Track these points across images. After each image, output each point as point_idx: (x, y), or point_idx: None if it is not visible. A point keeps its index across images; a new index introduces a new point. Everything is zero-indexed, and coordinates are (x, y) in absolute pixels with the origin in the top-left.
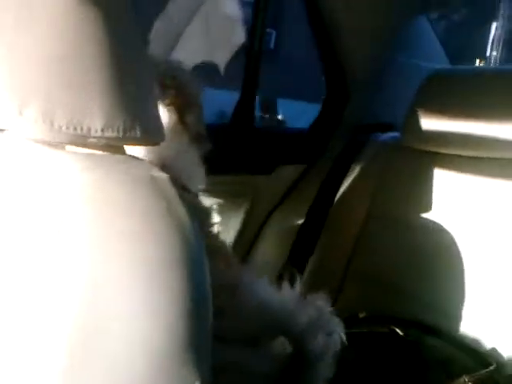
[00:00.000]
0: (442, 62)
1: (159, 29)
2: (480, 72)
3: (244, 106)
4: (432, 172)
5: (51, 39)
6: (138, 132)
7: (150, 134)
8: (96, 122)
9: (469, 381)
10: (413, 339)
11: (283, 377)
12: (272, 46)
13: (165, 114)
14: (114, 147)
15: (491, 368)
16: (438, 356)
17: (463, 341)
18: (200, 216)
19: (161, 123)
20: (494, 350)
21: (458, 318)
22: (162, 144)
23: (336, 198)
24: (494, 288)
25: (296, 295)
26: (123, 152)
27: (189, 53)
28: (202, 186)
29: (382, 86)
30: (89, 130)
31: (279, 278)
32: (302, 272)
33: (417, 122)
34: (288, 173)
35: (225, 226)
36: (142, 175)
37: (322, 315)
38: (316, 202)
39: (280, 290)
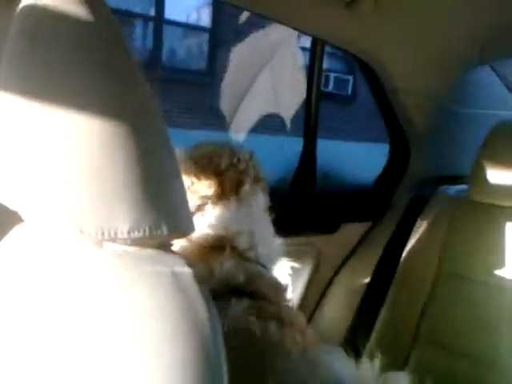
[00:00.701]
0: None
1: (230, 79)
2: None
3: (305, 163)
4: (502, 226)
5: (84, 153)
6: (165, 230)
7: (178, 229)
8: (122, 226)
9: None
10: None
11: None
12: (349, 92)
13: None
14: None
15: None
16: None
17: None
18: (274, 292)
19: (190, 216)
20: None
21: None
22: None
23: (403, 256)
24: None
25: (374, 370)
26: (156, 245)
27: (258, 105)
28: (278, 261)
29: (444, 139)
30: (115, 233)
31: (345, 342)
32: (368, 334)
33: (483, 175)
34: (352, 231)
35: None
36: (165, 272)
37: None
38: (382, 261)
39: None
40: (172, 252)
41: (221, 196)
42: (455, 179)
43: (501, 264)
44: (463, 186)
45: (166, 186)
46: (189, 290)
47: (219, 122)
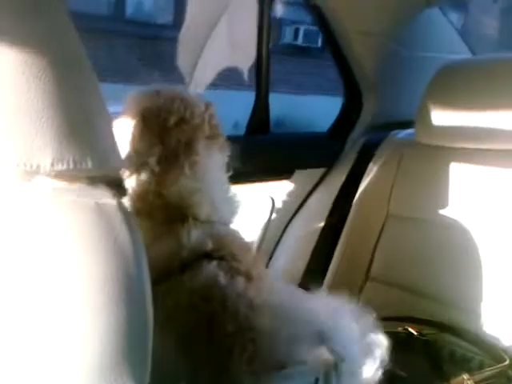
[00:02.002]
0: (462, 53)
1: (186, 33)
2: (492, 62)
3: (259, 111)
4: (447, 167)
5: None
6: (90, 163)
7: (103, 164)
8: (45, 158)
9: (471, 379)
10: (428, 338)
11: None
12: (319, 44)
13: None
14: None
15: (505, 364)
16: (454, 354)
17: (481, 338)
18: (243, 252)
19: (117, 152)
20: (511, 347)
21: (476, 316)
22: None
23: (355, 199)
24: None
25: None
26: (84, 181)
27: (214, 57)
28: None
29: (395, 83)
30: (38, 166)
31: (301, 283)
32: (323, 275)
33: (429, 117)
34: (307, 177)
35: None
36: (88, 202)
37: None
38: (335, 206)
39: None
40: (102, 187)
41: (167, 159)
42: (407, 124)
43: (446, 203)
44: (413, 130)
45: (90, 119)
46: (111, 216)
47: (183, 78)
